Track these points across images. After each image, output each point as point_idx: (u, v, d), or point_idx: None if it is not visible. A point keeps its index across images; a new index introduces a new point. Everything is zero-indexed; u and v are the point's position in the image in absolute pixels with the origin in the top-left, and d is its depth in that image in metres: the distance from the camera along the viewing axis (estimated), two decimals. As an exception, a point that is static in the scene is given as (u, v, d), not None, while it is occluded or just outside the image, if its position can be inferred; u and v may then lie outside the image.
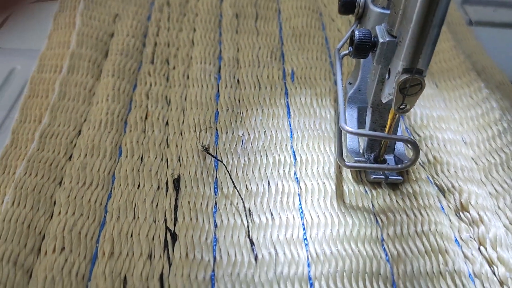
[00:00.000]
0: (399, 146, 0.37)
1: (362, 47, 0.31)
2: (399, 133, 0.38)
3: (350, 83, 0.40)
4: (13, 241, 0.29)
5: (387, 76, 0.30)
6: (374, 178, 0.36)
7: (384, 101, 0.32)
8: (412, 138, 0.35)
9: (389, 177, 0.35)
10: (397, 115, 0.32)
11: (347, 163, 0.34)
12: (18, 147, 0.36)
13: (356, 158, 0.36)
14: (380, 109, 0.35)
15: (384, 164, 0.36)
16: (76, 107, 0.39)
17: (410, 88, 0.28)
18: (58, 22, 0.48)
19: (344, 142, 0.38)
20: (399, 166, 0.33)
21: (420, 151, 0.38)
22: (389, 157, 0.37)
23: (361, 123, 0.38)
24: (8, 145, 0.36)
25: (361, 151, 0.37)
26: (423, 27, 0.26)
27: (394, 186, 0.36)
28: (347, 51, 0.36)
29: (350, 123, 0.38)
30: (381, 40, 0.30)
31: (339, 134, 0.37)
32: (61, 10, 0.49)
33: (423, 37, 0.26)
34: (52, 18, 0.48)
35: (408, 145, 0.33)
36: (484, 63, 0.47)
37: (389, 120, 0.32)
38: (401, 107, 0.29)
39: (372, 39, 0.31)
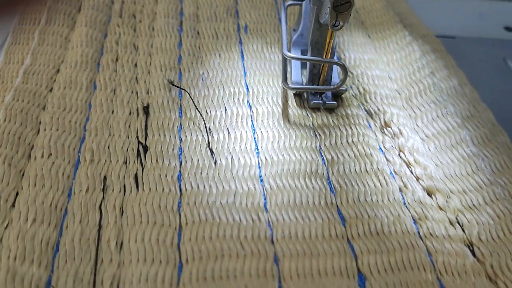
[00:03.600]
0: (335, 81, 0.44)
1: None
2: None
3: (294, 30, 0.47)
4: (7, 148, 0.35)
5: (323, 3, 0.37)
6: (313, 103, 0.42)
7: (321, 21, 0.38)
8: (342, 62, 0.40)
9: (326, 102, 0.42)
10: (333, 37, 0.38)
11: (290, 86, 0.41)
12: (5, 82, 0.41)
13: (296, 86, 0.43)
14: (318, 46, 0.41)
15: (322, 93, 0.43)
16: (54, 51, 0.44)
17: (341, 6, 0.35)
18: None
19: (289, 75, 0.44)
20: (332, 86, 0.40)
21: (352, 85, 0.45)
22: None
23: (303, 63, 0.45)
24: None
25: (305, 82, 0.44)
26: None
27: (331, 110, 0.42)
28: (291, 2, 0.43)
29: (294, 61, 0.45)
30: None
31: (284, 61, 0.44)
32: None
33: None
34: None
35: (338, 68, 0.40)
36: (411, 20, 0.54)
37: (326, 42, 0.39)
38: (335, 24, 0.36)
39: None
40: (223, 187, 0.35)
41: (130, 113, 0.40)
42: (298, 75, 0.45)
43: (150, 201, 0.34)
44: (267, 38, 0.50)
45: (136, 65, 0.45)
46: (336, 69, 0.45)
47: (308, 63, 0.43)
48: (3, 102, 0.38)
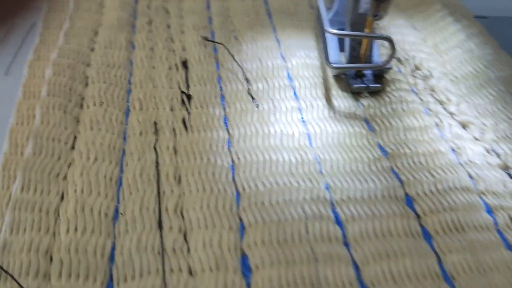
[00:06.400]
0: (376, 60, 0.41)
1: None
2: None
3: (329, 8, 0.45)
4: (60, 97, 0.36)
5: None
6: (356, 87, 0.40)
7: (361, 11, 0.37)
8: (389, 36, 0.37)
9: (369, 85, 0.40)
10: (373, 26, 0.38)
11: (334, 65, 0.39)
12: (47, 44, 0.43)
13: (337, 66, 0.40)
14: (358, 27, 0.39)
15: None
16: (90, 15, 0.46)
17: None
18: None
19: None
20: (378, 63, 0.39)
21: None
22: (367, 72, 0.41)
23: (341, 45, 0.43)
24: (37, 43, 0.43)
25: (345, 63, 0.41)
26: None
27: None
28: None
29: (331, 43, 0.42)
30: None
31: (325, 44, 0.42)
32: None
33: None
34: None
35: (385, 42, 0.37)
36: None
37: (367, 30, 0.38)
38: (376, 15, 0.35)
39: None
40: (268, 128, 0.37)
41: (169, 68, 0.42)
42: (336, 55, 0.42)
43: (200, 143, 0.35)
44: (295, 16, 0.51)
45: (169, 26, 0.47)
46: (377, 50, 0.43)
47: (347, 44, 0.41)
48: (49, 60, 0.40)
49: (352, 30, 0.40)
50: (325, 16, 0.39)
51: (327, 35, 0.43)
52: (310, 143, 0.36)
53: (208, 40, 0.44)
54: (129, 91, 0.39)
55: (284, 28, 0.47)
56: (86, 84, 0.39)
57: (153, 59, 0.43)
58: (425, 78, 0.42)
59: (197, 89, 0.40)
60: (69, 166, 0.32)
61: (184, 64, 0.42)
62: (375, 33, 0.39)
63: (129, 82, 0.40)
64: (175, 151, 0.35)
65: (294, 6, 0.50)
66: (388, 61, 0.38)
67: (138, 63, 0.42)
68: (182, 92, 0.39)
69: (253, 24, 0.47)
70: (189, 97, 0.39)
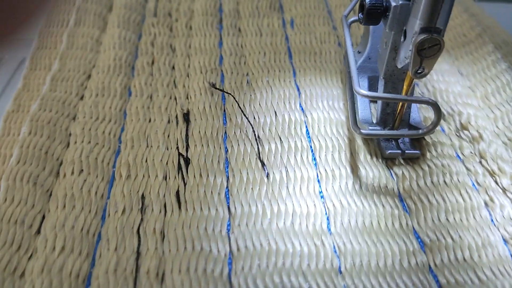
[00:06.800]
0: (414, 116, 0.35)
1: (374, 13, 0.30)
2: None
3: (359, 52, 0.38)
4: (31, 164, 0.30)
5: (402, 39, 0.29)
6: (390, 153, 0.33)
7: (399, 66, 0.30)
8: (434, 100, 0.30)
9: (406, 151, 0.33)
10: (413, 81, 0.31)
11: (363, 131, 0.32)
12: (31, 90, 0.37)
13: (370, 127, 0.34)
14: (394, 79, 0.32)
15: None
16: (84, 55, 0.40)
17: (429, 50, 0.27)
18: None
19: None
20: (419, 131, 0.31)
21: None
22: (404, 131, 0.34)
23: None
24: (20, 88, 0.37)
25: (374, 123, 0.34)
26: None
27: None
28: (356, 18, 0.34)
29: None
30: (393, 4, 0.28)
31: (352, 101, 0.35)
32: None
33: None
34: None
35: (429, 107, 0.30)
36: (475, 10, 0.48)
37: (404, 87, 0.31)
38: (418, 71, 0.28)
39: (384, 3, 0.29)
40: (278, 206, 0.30)
41: (169, 121, 0.36)
42: (366, 109, 0.35)
43: (194, 224, 0.29)
44: (316, 33, 0.44)
45: (173, 67, 0.41)
46: (416, 105, 0.36)
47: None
48: (29, 112, 0.35)
49: (386, 84, 0.33)
50: (354, 70, 0.31)
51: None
52: (329, 228, 0.29)
53: (216, 88, 0.38)
54: (117, 153, 0.33)
55: (306, 72, 0.40)
56: (68, 145, 0.33)
57: (150, 109, 0.37)
58: (473, 140, 0.35)
59: (197, 151, 0.34)
60: (30, 258, 0.27)
61: (186, 116, 0.36)
62: (416, 97, 0.32)
63: (119, 140, 0.34)
64: (163, 235, 0.28)
65: (319, 44, 0.43)
66: (431, 130, 0.30)
67: (133, 115, 0.36)
68: (180, 154, 0.33)
69: (269, 66, 0.41)
70: (187, 161, 0.33)
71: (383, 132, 0.33)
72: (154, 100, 0.37)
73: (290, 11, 0.47)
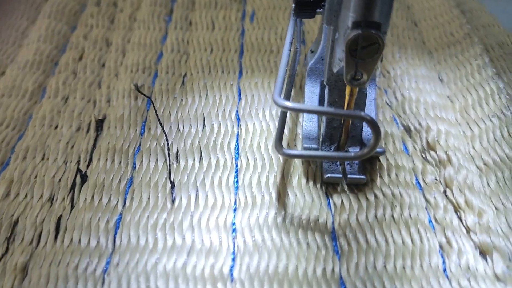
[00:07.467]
0: (366, 136, 0.28)
1: (305, 2, 0.25)
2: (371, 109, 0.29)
3: (312, 51, 0.31)
4: None
5: (336, 35, 0.23)
6: (328, 177, 0.27)
7: (335, 70, 0.25)
8: (370, 116, 0.22)
9: (349, 176, 0.27)
10: (355, 93, 0.24)
11: (285, 150, 0.25)
12: None
13: (305, 145, 0.28)
14: (340, 86, 0.27)
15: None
16: (4, 49, 0.36)
17: (364, 50, 0.21)
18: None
19: (300, 124, 0.31)
20: (352, 154, 0.24)
21: (387, 88, 0.33)
22: (355, 150, 0.28)
23: (321, 103, 0.29)
24: None
25: (320, 139, 0.29)
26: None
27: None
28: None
29: (310, 102, 0.29)
30: None
31: (284, 112, 0.28)
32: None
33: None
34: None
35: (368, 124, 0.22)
36: (471, 5, 0.40)
37: (346, 96, 0.25)
38: (355, 77, 0.22)
39: None
40: (174, 240, 0.25)
41: (78, 129, 0.30)
42: (312, 122, 0.29)
43: (65, 260, 0.24)
44: (278, 28, 0.38)
45: (103, 65, 0.35)
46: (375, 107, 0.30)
47: (325, 103, 0.28)
48: None
49: (331, 91, 0.27)
50: (280, 80, 0.25)
51: (307, 90, 0.30)
52: (232, 272, 0.23)
53: (138, 91, 0.32)
54: (5, 165, 0.28)
55: (254, 74, 0.34)
56: None
57: (61, 114, 0.31)
58: (440, 163, 0.28)
59: (99, 166, 0.28)
60: None
61: (100, 123, 0.31)
62: (347, 111, 0.25)
63: (12, 150, 0.29)
64: (25, 273, 0.23)
65: (277, 42, 0.37)
66: (365, 154, 0.23)
67: (38, 119, 0.31)
68: (78, 170, 0.28)
69: (213, 65, 0.35)
70: (83, 178, 0.28)
71: (305, 153, 0.26)
72: (70, 103, 0.32)
73: (253, 2, 0.41)
